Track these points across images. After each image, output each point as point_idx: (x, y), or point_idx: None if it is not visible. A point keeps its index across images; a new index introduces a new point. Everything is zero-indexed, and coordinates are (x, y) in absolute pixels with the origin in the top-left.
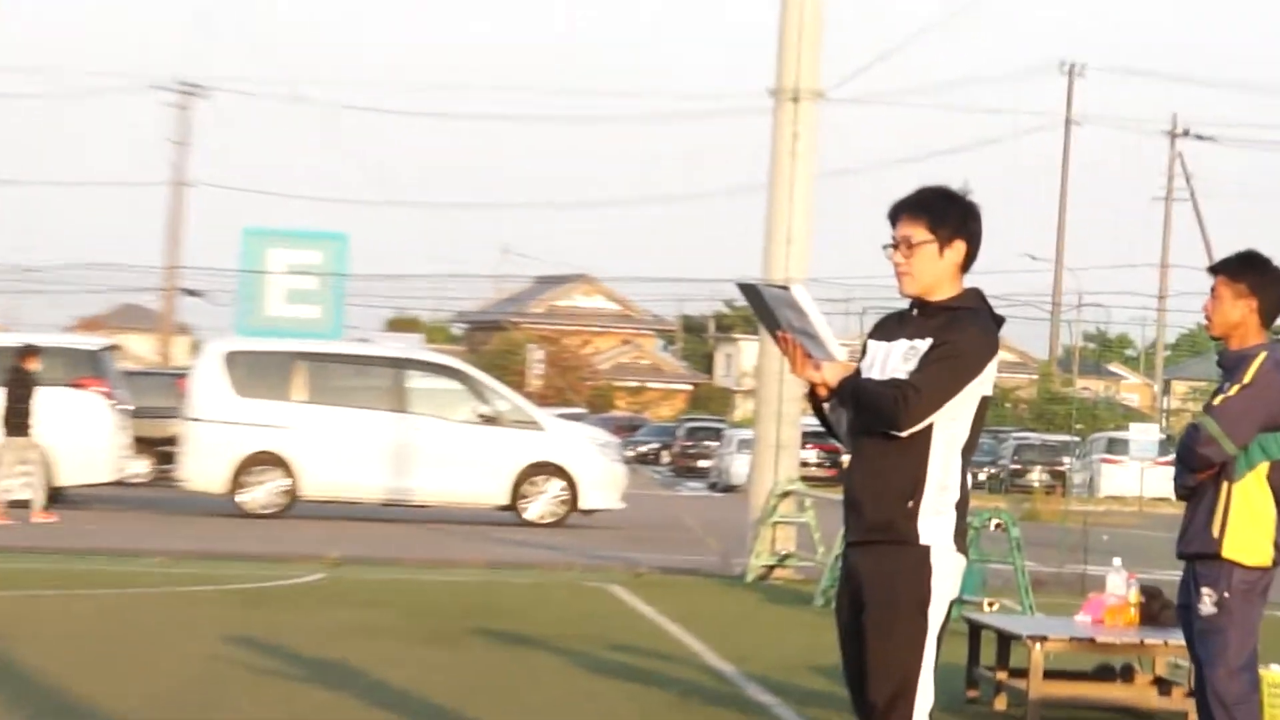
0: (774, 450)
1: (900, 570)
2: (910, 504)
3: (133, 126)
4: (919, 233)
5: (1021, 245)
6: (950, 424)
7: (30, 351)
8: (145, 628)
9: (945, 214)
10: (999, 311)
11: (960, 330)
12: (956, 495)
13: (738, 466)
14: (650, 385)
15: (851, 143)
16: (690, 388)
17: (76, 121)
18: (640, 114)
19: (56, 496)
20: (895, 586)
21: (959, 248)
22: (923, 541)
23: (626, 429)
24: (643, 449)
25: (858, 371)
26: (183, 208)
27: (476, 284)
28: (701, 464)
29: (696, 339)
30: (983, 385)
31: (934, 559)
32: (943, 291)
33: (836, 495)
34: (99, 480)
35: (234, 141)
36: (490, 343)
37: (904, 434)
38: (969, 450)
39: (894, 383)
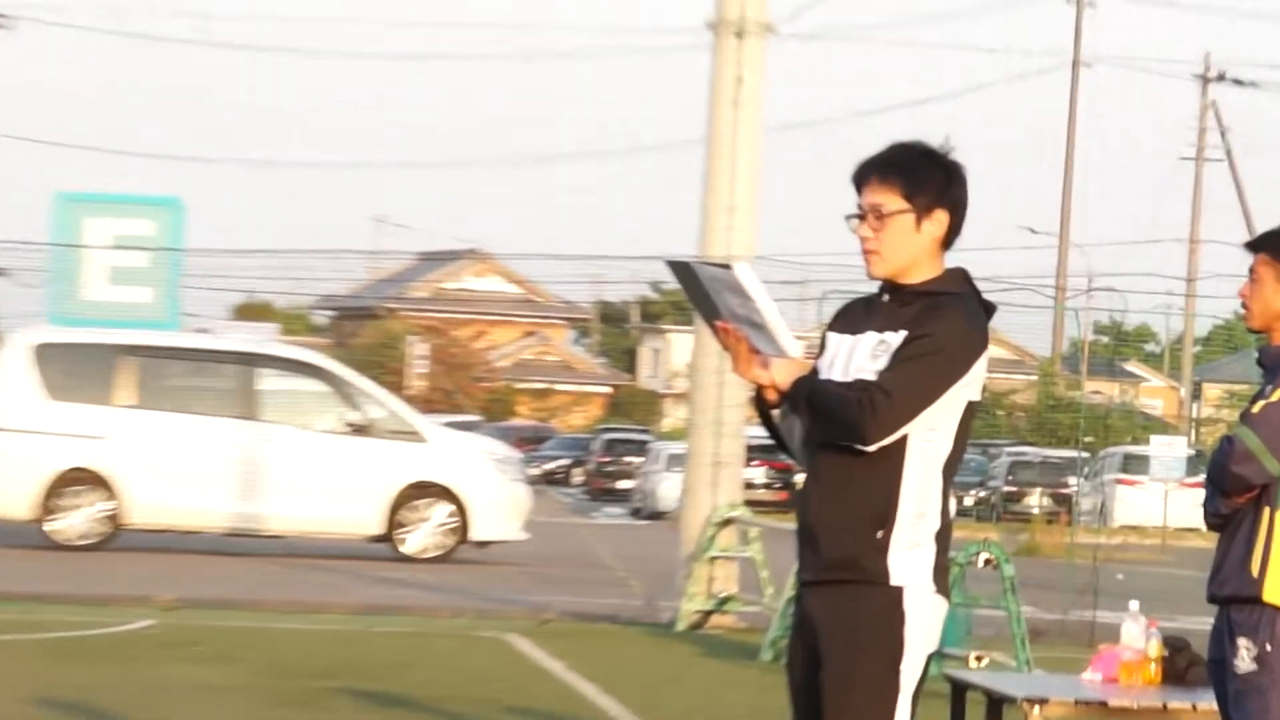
0: (711, 468)
1: (866, 616)
2: (879, 535)
3: None
4: (891, 201)
5: (1018, 216)
6: (929, 436)
7: None
8: None
9: (923, 177)
10: (989, 298)
11: (941, 320)
12: (936, 524)
13: (666, 488)
14: (560, 387)
15: (808, 89)
16: (609, 391)
17: None
18: (548, 51)
19: None
20: (860, 636)
21: (940, 219)
22: (894, 581)
23: (530, 441)
24: (550, 466)
25: (815, 371)
26: None
27: (344, 262)
28: (622, 485)
29: (616, 331)
30: (968, 388)
31: (908, 603)
32: (920, 273)
33: (789, 524)
34: None
35: (44, 84)
36: (361, 334)
37: (871, 448)
38: (951, 469)
39: (860, 385)
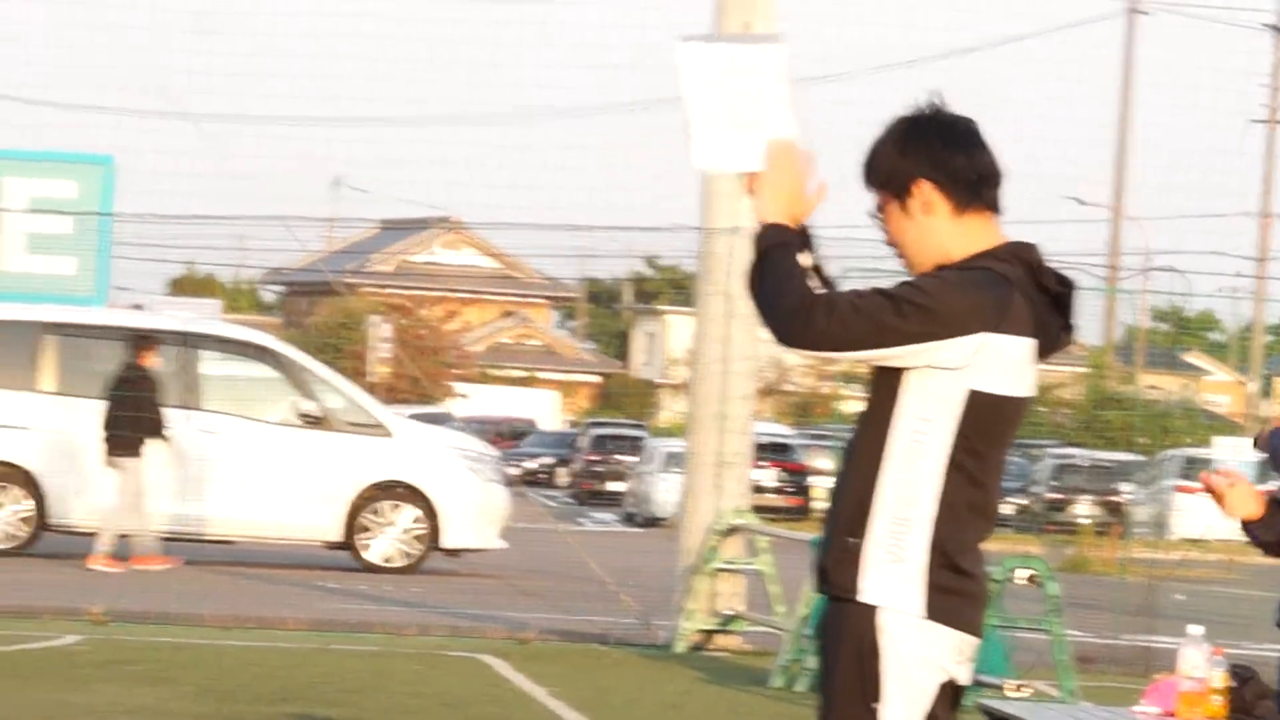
0: (714, 469)
1: (840, 641)
2: (851, 542)
3: None
4: (874, 198)
5: (1065, 186)
6: (919, 426)
7: (147, 341)
8: None
9: (880, 160)
10: (1061, 275)
11: (934, 277)
12: (926, 533)
13: (663, 491)
14: (543, 375)
15: (826, 38)
16: (598, 379)
17: None
18: None
19: None
20: (834, 663)
21: (922, 191)
22: (865, 598)
23: (509, 437)
24: (531, 465)
25: (803, 233)
26: None
27: (296, 230)
28: (613, 487)
29: (606, 312)
30: (965, 375)
31: (884, 628)
32: (956, 253)
33: (802, 533)
34: None
35: None
36: (316, 312)
37: (787, 349)
38: (964, 470)
39: (828, 288)
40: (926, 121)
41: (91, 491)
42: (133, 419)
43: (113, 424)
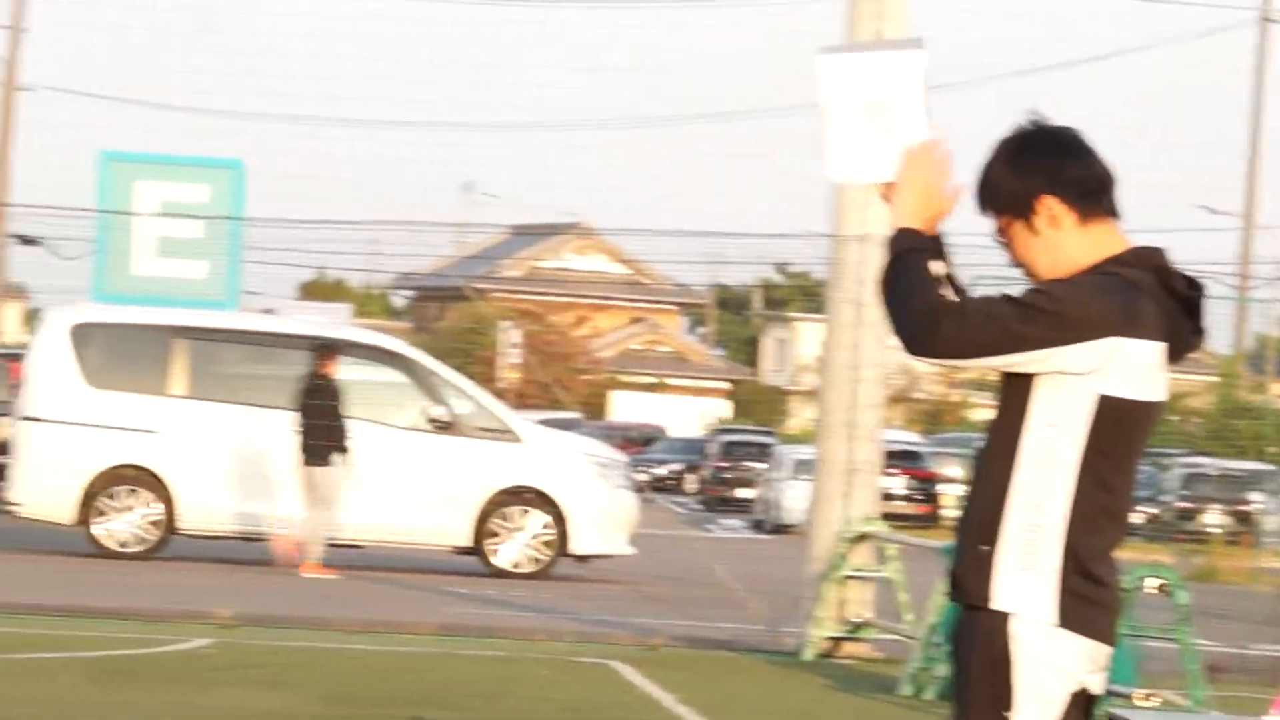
0: (844, 476)
1: (973, 649)
2: (984, 548)
3: None
4: (999, 222)
5: (1196, 195)
6: (1049, 433)
7: (329, 349)
8: None
9: (1000, 183)
10: (1190, 278)
11: (1061, 282)
12: (1059, 540)
13: (792, 498)
14: (672, 381)
15: (967, 44)
16: (727, 386)
17: None
18: None
19: None
20: (966, 671)
21: (1048, 205)
22: (998, 605)
23: (638, 443)
24: (660, 471)
25: (937, 240)
26: (13, 121)
27: (427, 235)
28: (742, 494)
29: (736, 319)
30: (1093, 379)
31: (1016, 634)
32: (1085, 263)
33: (931, 540)
34: None
35: (88, 31)
36: (447, 318)
37: (911, 357)
38: (1097, 477)
39: (960, 295)
40: (1035, 137)
41: (220, 495)
42: (321, 428)
43: (302, 433)
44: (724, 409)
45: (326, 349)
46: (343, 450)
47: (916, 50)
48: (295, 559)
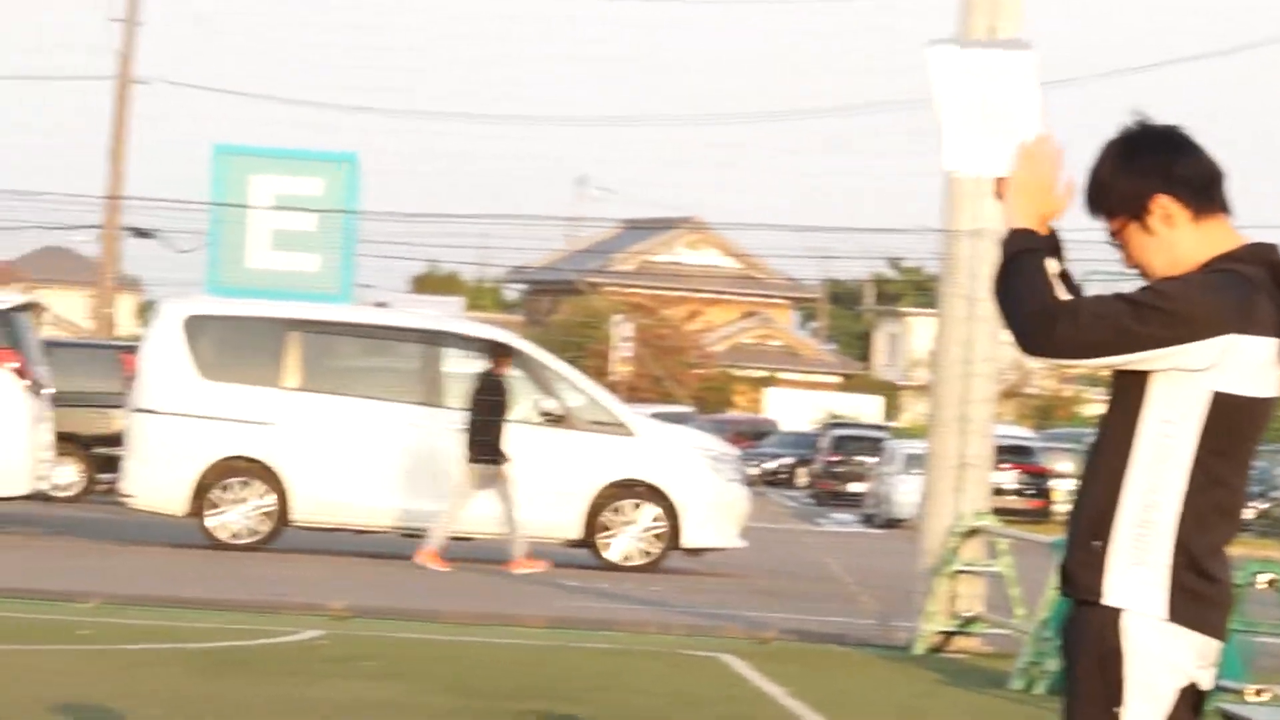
0: (955, 471)
1: (1083, 644)
2: (1096, 544)
3: (63, 2)
4: (1112, 224)
5: None
6: (1164, 430)
7: (503, 350)
8: (65, 699)
9: (1112, 185)
10: None
11: (1176, 280)
12: (1171, 536)
13: (903, 493)
14: (784, 375)
15: (1074, 42)
16: (839, 380)
17: None
18: None
19: None
20: (1076, 666)
21: (1162, 204)
22: (1109, 600)
23: (749, 437)
24: (771, 465)
25: (1052, 238)
26: (129, 115)
27: (540, 229)
28: (853, 488)
29: (848, 313)
30: (1211, 375)
31: (1127, 630)
32: (1200, 260)
33: (1042, 536)
34: (7, 494)
35: (202, 25)
36: (559, 311)
37: (1026, 358)
38: (1211, 474)
39: (1073, 296)
40: (1144, 137)
41: (333, 487)
42: (490, 425)
43: (474, 431)
44: (871, 406)
45: (500, 349)
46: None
47: (1026, 50)
48: (432, 551)
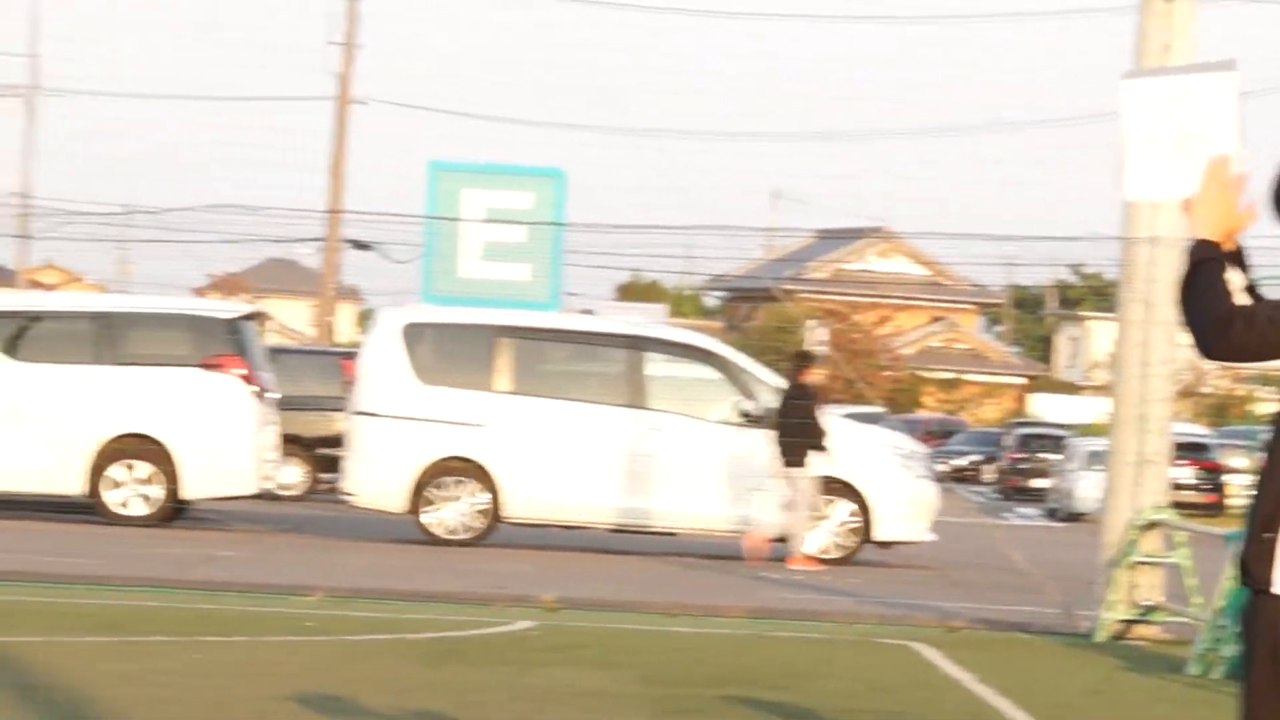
0: (1134, 467)
1: (1256, 630)
2: (1267, 535)
3: (284, 26)
4: None
5: None
6: None
7: (807, 359)
8: (293, 688)
9: None
10: None
11: None
12: None
13: (1085, 488)
14: (970, 377)
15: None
16: (1023, 381)
17: (201, 17)
18: (962, 14)
19: (180, 512)
20: (1250, 655)
21: None
22: (1278, 590)
23: (937, 435)
24: (959, 462)
25: (1238, 251)
26: (348, 133)
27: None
28: (1037, 484)
29: (1031, 318)
30: None
31: None
32: None
33: (1217, 528)
34: (236, 493)
35: (417, 45)
36: (756, 317)
37: (1205, 361)
38: None
39: (1254, 300)
40: None
41: (543, 486)
42: (799, 429)
43: (783, 435)
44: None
45: (804, 359)
46: (821, 449)
47: (1229, 72)
48: (761, 554)
